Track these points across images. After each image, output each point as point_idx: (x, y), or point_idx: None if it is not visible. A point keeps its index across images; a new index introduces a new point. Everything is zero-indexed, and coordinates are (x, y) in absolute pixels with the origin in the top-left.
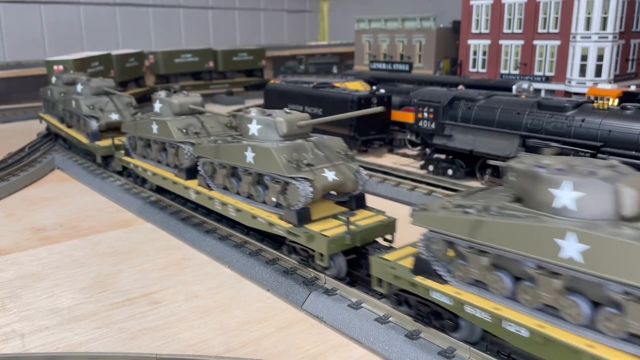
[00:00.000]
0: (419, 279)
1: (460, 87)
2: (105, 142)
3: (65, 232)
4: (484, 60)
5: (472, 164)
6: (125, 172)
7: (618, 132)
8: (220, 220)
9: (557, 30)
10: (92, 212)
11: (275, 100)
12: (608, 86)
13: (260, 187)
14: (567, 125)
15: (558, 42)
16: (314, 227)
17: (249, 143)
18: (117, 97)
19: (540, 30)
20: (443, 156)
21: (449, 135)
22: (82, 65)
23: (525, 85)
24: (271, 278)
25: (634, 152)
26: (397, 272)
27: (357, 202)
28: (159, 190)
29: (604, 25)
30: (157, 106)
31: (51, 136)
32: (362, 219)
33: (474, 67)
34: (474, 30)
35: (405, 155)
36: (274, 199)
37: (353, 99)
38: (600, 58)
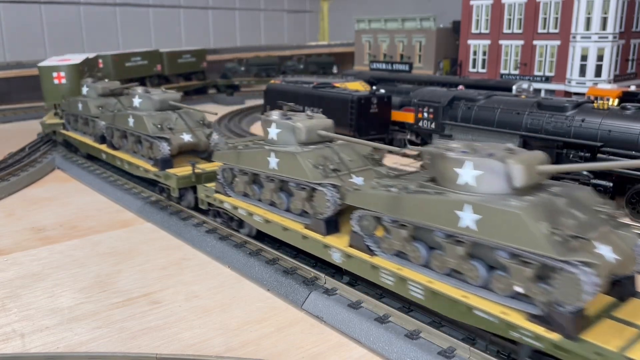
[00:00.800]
0: None
1: (460, 87)
2: (182, 170)
3: (66, 232)
4: (484, 61)
5: None
6: (212, 211)
7: (618, 132)
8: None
9: (557, 30)
10: (92, 212)
11: (275, 100)
12: (608, 86)
13: (480, 264)
14: (567, 125)
15: (558, 42)
16: (603, 342)
17: (465, 198)
18: (185, 112)
19: (540, 30)
20: None
21: (449, 135)
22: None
23: (525, 85)
24: (271, 278)
25: (633, 152)
26: None
27: (628, 288)
28: (260, 236)
29: (604, 25)
30: (272, 132)
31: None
32: None
33: (474, 67)
34: (474, 30)
35: (405, 155)
36: (518, 289)
37: (353, 99)
38: (600, 58)
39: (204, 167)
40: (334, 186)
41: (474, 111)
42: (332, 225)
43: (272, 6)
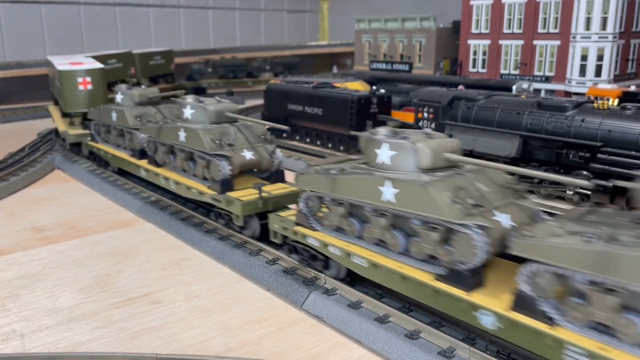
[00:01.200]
0: None
1: (460, 87)
2: (245, 194)
3: (65, 232)
4: (484, 60)
5: None
6: (287, 246)
7: (618, 132)
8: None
9: (557, 30)
10: (92, 212)
11: (275, 100)
12: (608, 86)
13: None
14: (567, 125)
15: (558, 42)
16: None
17: None
18: (244, 125)
19: (540, 30)
20: None
21: (449, 135)
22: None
23: (525, 85)
24: (271, 278)
25: (633, 152)
26: None
27: None
28: (352, 278)
29: (604, 25)
30: (384, 154)
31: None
32: None
33: (474, 67)
34: (474, 30)
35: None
36: None
37: (353, 99)
38: (600, 58)
39: (269, 189)
40: (481, 227)
41: (474, 111)
42: (477, 277)
43: (272, 6)
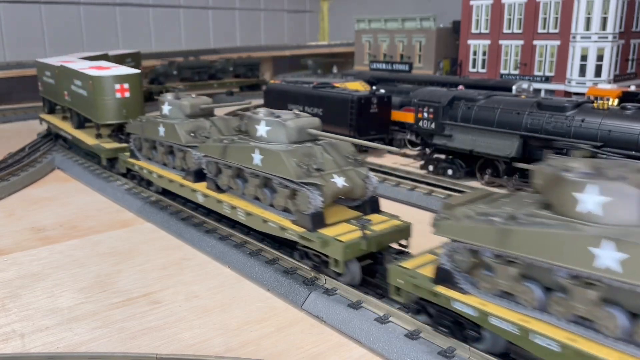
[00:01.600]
0: None
1: (460, 87)
2: (341, 232)
3: (65, 232)
4: (484, 60)
5: (472, 164)
6: (413, 307)
7: (618, 132)
8: (220, 220)
9: (557, 30)
10: (92, 212)
11: (275, 100)
12: (608, 86)
13: None
14: (567, 125)
15: (558, 42)
16: None
17: None
18: (329, 144)
19: (540, 30)
20: (443, 156)
21: (449, 135)
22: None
23: (525, 85)
24: (271, 278)
25: (633, 152)
26: None
27: None
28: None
29: (603, 25)
30: (591, 200)
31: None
32: None
33: (474, 67)
34: (474, 30)
35: (405, 155)
36: None
37: (353, 99)
38: (600, 58)
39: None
40: None
41: (474, 111)
42: None
43: (272, 6)
